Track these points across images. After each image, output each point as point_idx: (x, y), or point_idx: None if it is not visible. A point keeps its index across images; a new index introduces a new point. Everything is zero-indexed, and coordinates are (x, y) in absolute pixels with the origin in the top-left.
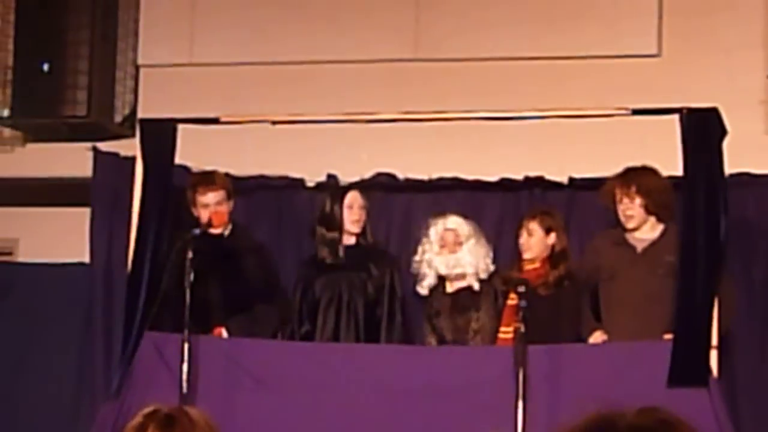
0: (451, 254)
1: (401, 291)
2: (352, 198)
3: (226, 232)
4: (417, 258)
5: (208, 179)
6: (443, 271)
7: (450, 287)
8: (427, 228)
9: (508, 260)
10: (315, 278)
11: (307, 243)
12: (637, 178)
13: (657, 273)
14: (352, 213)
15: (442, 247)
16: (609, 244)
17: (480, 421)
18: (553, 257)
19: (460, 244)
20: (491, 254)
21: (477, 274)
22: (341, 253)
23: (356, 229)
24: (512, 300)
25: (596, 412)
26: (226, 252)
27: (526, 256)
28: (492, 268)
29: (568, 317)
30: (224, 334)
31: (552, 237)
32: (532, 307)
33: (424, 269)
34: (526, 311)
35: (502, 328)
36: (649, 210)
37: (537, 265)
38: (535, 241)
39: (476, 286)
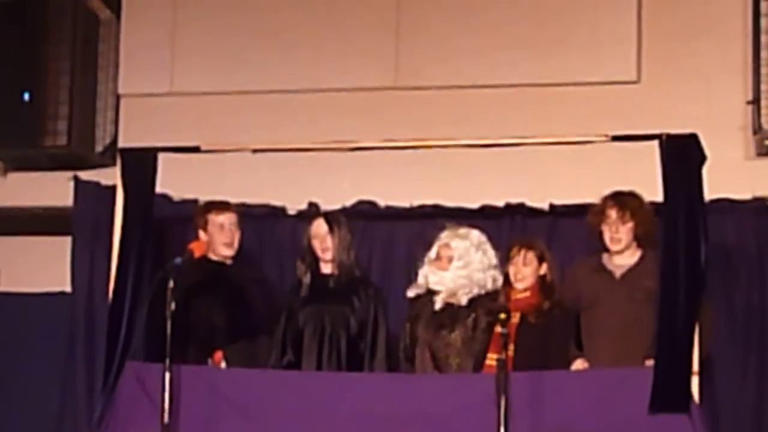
0: (439, 270)
1: (385, 325)
2: (316, 226)
3: (230, 261)
4: (422, 263)
5: (222, 203)
6: (429, 284)
7: (437, 300)
8: (438, 233)
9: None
10: (298, 308)
11: (289, 271)
12: (631, 203)
13: (636, 299)
14: (318, 243)
15: (436, 259)
16: (587, 271)
17: None
18: (545, 286)
19: (451, 262)
20: (492, 274)
21: (456, 292)
22: (307, 280)
23: (326, 257)
24: (499, 329)
25: None
26: (230, 279)
27: (519, 285)
28: (476, 291)
29: (559, 345)
30: (223, 363)
31: (544, 267)
32: (522, 335)
33: (419, 276)
34: (507, 338)
35: (489, 355)
36: (636, 235)
37: (528, 294)
38: (530, 271)
39: (464, 301)
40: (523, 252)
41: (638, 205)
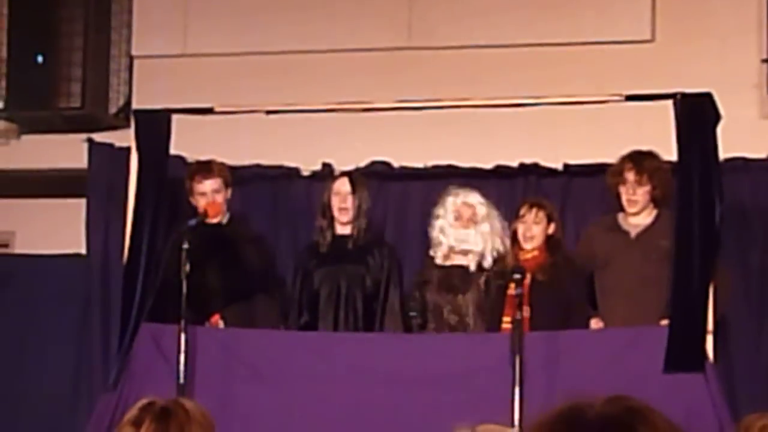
0: (463, 229)
1: (399, 283)
2: (339, 184)
3: (224, 221)
4: (433, 226)
5: (205, 168)
6: (452, 243)
7: (444, 260)
8: (446, 196)
9: None
10: (314, 269)
11: (303, 232)
12: (649, 164)
13: (651, 258)
14: (339, 200)
15: (456, 219)
16: (602, 230)
17: (478, 407)
18: (551, 244)
19: (476, 222)
20: (500, 243)
21: (482, 256)
22: (327, 238)
23: (343, 218)
24: (512, 290)
25: (565, 402)
26: (224, 240)
27: (528, 245)
28: (496, 254)
29: (570, 298)
30: (220, 323)
31: (552, 227)
32: (535, 294)
33: (439, 237)
34: (522, 299)
35: (505, 318)
36: (653, 197)
37: (536, 253)
38: (539, 230)
39: (472, 266)
40: (534, 210)
41: (656, 167)
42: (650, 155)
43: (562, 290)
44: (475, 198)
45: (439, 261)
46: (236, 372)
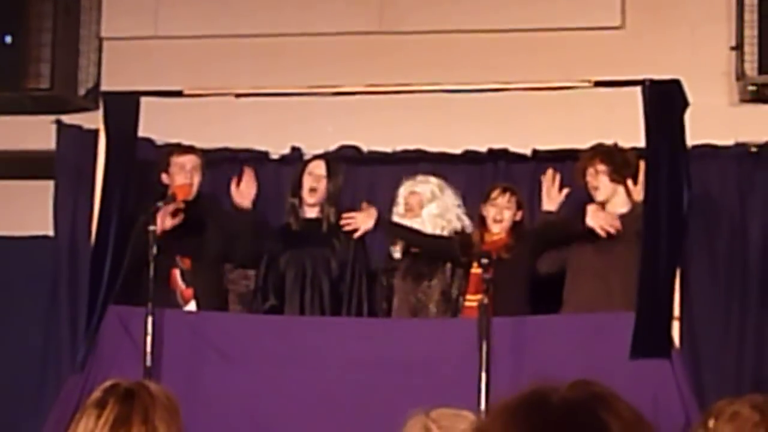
0: (414, 218)
1: (365, 267)
2: (314, 165)
3: (190, 198)
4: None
5: (186, 147)
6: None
7: (403, 254)
8: (398, 188)
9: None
10: (280, 252)
11: (272, 215)
12: (601, 150)
13: (626, 241)
14: (310, 180)
15: (407, 210)
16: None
17: (444, 393)
18: (516, 230)
19: (422, 207)
20: (458, 212)
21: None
22: (299, 215)
23: (311, 199)
24: (476, 269)
25: (529, 386)
26: (189, 217)
27: (496, 228)
28: (455, 227)
29: (530, 272)
30: (192, 303)
31: (519, 213)
32: (497, 272)
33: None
34: (489, 283)
35: (468, 296)
36: (612, 177)
37: (503, 235)
38: (509, 214)
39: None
40: (507, 195)
41: (607, 149)
42: (604, 145)
43: (525, 265)
44: (421, 185)
45: (397, 255)
46: (203, 355)
